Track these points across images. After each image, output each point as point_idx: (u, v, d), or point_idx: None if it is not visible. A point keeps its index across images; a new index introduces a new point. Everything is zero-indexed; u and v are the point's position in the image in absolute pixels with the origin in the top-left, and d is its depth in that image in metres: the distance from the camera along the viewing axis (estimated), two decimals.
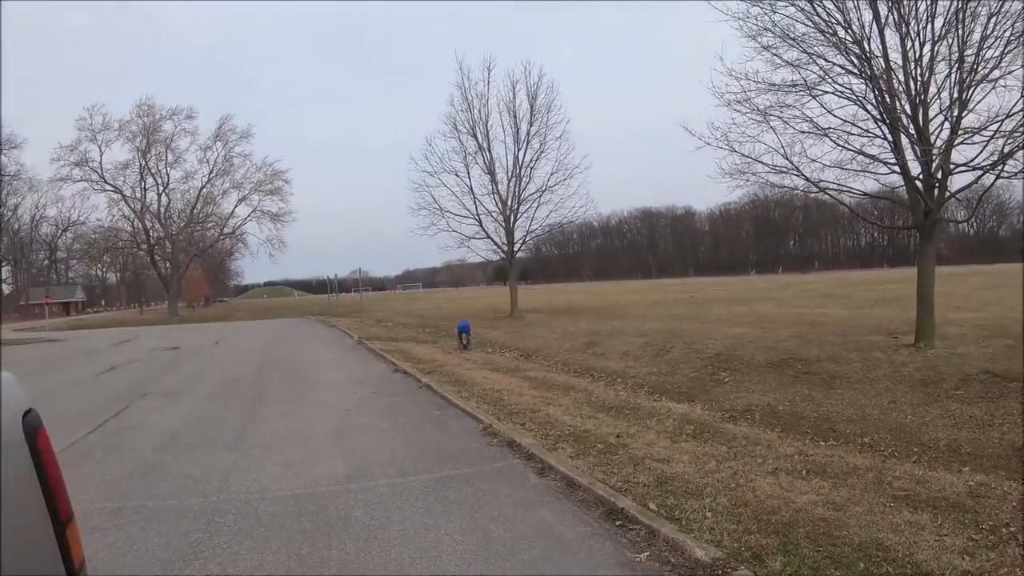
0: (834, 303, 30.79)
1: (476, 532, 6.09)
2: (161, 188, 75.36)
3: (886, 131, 15.77)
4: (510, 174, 38.55)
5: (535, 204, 38.67)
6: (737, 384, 15.19)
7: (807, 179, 17.07)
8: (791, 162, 16.92)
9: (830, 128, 16.40)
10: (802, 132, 16.75)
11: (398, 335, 30.80)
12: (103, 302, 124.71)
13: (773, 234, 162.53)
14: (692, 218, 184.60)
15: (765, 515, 6.00)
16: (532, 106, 37.99)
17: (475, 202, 39.28)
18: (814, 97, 16.49)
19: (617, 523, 6.11)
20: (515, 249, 39.80)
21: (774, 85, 16.64)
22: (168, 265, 77.18)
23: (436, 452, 9.15)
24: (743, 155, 17.47)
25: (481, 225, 39.38)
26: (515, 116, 38.33)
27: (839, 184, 17.18)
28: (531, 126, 38.01)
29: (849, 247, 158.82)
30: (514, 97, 38.38)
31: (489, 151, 38.65)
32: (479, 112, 38.59)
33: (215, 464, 8.96)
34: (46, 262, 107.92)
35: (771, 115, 16.80)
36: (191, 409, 13.47)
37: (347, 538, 6.08)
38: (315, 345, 28.76)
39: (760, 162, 17.35)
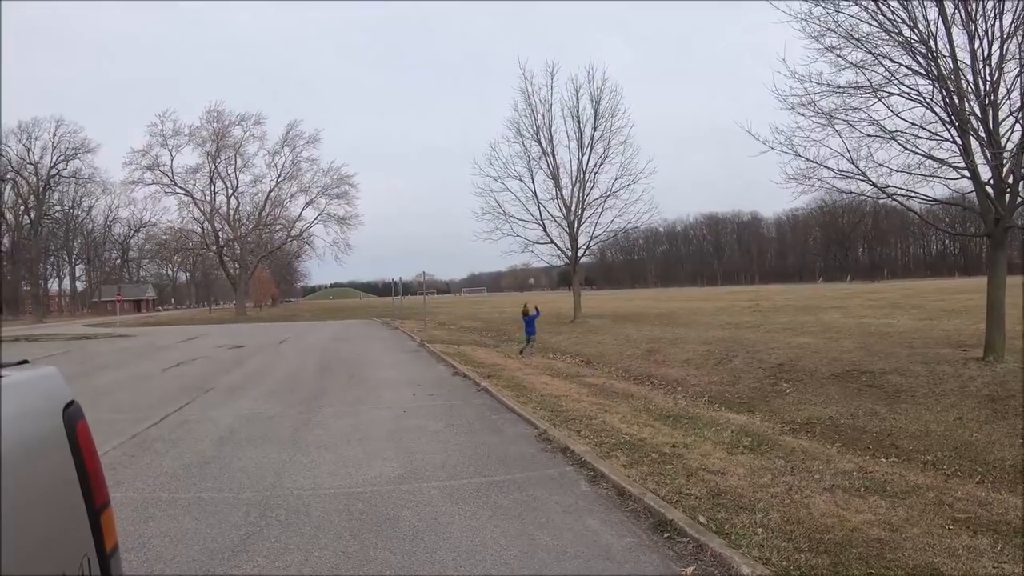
0: (902, 313, 29.99)
1: (522, 538, 6.05)
2: (230, 191, 77.53)
3: (955, 134, 15.29)
4: (574, 179, 38.54)
5: (599, 209, 38.65)
6: (799, 396, 14.96)
7: (873, 184, 16.68)
8: (857, 167, 16.56)
9: (897, 131, 15.98)
10: (868, 136, 16.39)
11: (460, 339, 30.95)
12: (172, 300, 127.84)
13: (841, 241, 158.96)
14: (759, 224, 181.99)
15: (818, 533, 5.84)
16: (596, 111, 38.08)
17: (539, 207, 39.48)
18: (880, 99, 16.12)
19: (665, 535, 6.00)
20: (579, 254, 39.69)
21: (839, 87, 16.33)
22: (236, 266, 78.80)
23: (489, 456, 9.13)
24: (808, 160, 17.17)
25: (545, 230, 39.50)
26: (579, 121, 38.43)
27: (907, 189, 16.75)
28: (595, 131, 38.07)
29: (919, 255, 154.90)
30: (577, 102, 38.53)
31: (553, 156, 38.81)
32: (543, 117, 38.80)
33: (271, 460, 9.10)
34: (118, 261, 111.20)
35: (836, 118, 16.48)
36: (251, 406, 13.70)
37: (394, 538, 6.10)
38: (377, 347, 28.97)
39: (825, 167, 17.02)
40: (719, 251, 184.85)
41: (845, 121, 16.45)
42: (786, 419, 13.09)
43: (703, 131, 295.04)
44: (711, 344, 22.53)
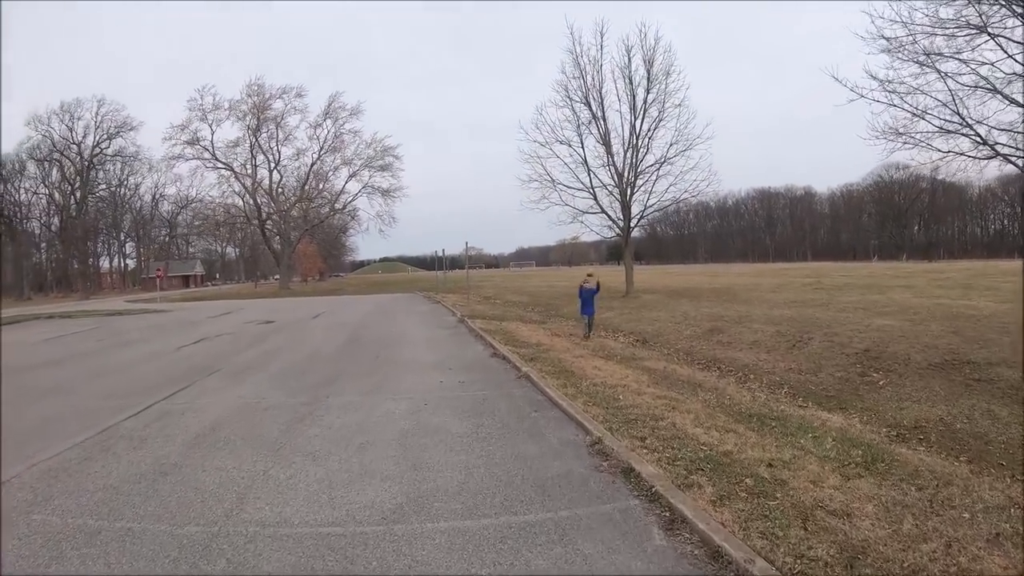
0: (977, 295, 26.84)
1: None
2: (272, 165, 76.40)
3: None
4: (626, 144, 35.83)
5: (653, 177, 35.83)
6: (896, 389, 12.71)
7: (983, 141, 14.23)
8: (963, 119, 14.12)
9: (1012, 75, 13.58)
10: (967, 87, 13.99)
11: (505, 314, 28.74)
12: (217, 275, 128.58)
13: (896, 218, 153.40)
14: (812, 199, 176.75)
15: None
16: (649, 72, 35.06)
17: (589, 174, 36.69)
18: (993, 37, 13.68)
19: None
20: (631, 224, 37.10)
21: (940, 21, 13.95)
22: (281, 240, 77.70)
23: (523, 478, 6.89)
24: (909, 109, 14.83)
25: (595, 198, 36.79)
26: (631, 82, 35.54)
27: (1017, 149, 14.36)
28: (648, 93, 35.18)
29: (975, 235, 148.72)
30: (629, 62, 35.56)
31: (604, 120, 35.99)
32: (592, 79, 35.89)
33: (241, 472, 7.14)
34: (166, 238, 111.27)
35: (940, 58, 14.08)
36: (251, 393, 11.74)
37: None
38: (413, 322, 26.94)
39: (925, 118, 14.63)
40: (771, 227, 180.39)
41: (939, 71, 14.08)
42: (889, 420, 10.93)
43: (761, 110, 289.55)
44: (780, 324, 20.18)
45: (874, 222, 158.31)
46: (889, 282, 37.92)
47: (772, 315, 22.46)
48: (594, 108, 35.92)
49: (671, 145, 35.04)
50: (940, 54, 14.30)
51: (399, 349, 17.50)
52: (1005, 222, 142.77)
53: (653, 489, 6.22)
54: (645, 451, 7.35)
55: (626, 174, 35.39)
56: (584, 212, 37.36)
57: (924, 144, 15.54)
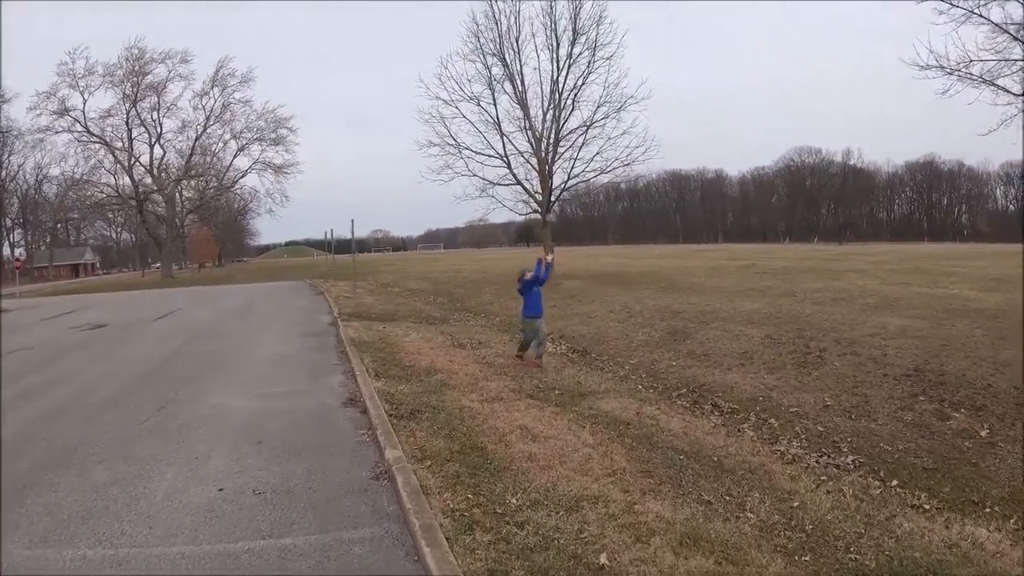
0: (947, 281, 22.95)
1: None
2: (153, 139, 67.89)
3: None
4: (547, 103, 30.62)
5: (580, 141, 30.73)
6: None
7: None
8: None
9: None
10: None
11: (398, 309, 23.06)
12: (97, 263, 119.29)
13: (807, 202, 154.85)
14: (723, 182, 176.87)
15: None
16: (576, 17, 29.95)
17: (503, 138, 31.28)
18: None
19: None
20: (552, 199, 31.90)
21: None
22: (165, 223, 70.57)
23: None
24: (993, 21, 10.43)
25: (509, 167, 31.42)
26: (554, 30, 30.26)
27: None
28: (573, 45, 30.03)
29: (881, 219, 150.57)
30: (553, 7, 30.34)
31: (521, 75, 30.67)
32: (508, 26, 30.58)
33: None
34: (51, 223, 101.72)
35: None
36: None
37: None
38: (274, 326, 19.91)
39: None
40: (682, 209, 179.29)
41: None
42: None
43: (670, 92, 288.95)
44: (761, 324, 15.18)
45: (784, 205, 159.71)
46: (830, 266, 34.16)
47: (740, 310, 17.44)
48: (509, 62, 30.55)
49: (599, 106, 30.10)
50: None
51: (211, 388, 10.94)
52: (911, 207, 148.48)
53: None
54: None
55: (547, 138, 30.12)
56: (494, 183, 32.01)
57: (990, 84, 11.05)
